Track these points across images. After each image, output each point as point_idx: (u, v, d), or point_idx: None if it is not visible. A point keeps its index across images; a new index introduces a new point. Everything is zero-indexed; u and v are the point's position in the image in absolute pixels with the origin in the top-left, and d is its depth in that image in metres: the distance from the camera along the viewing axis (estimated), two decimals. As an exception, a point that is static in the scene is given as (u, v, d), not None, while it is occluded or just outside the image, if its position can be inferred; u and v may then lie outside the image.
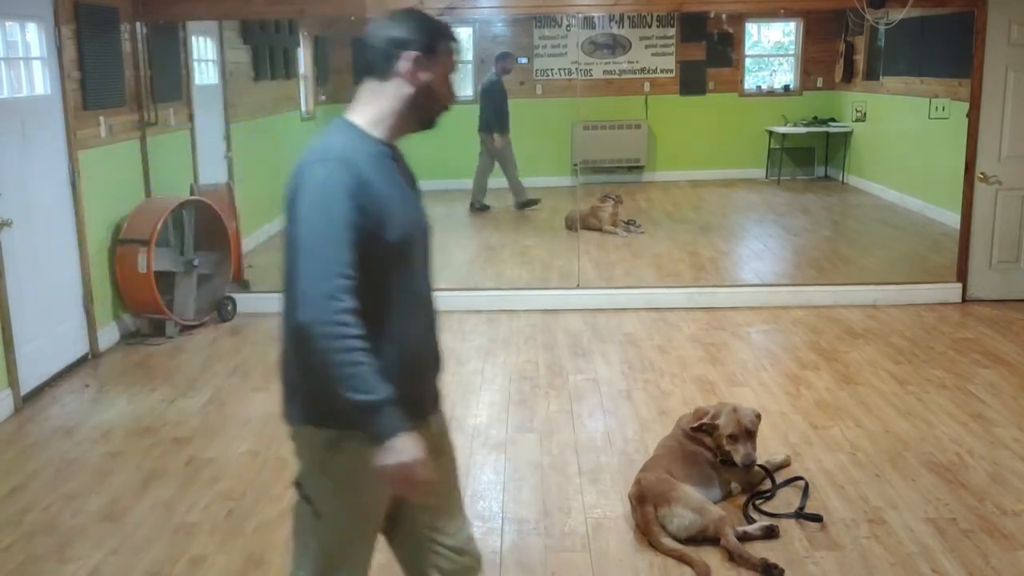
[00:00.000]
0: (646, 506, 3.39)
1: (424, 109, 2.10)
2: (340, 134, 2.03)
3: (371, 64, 2.05)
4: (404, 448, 1.88)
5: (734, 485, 3.69)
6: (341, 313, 1.86)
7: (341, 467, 2.05)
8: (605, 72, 11.38)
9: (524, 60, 11.40)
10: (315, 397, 2.02)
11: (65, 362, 5.37)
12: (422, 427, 2.07)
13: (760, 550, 3.25)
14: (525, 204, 9.64)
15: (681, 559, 3.23)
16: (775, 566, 3.15)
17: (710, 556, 3.25)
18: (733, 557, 3.22)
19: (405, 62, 2.02)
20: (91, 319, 5.63)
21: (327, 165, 1.94)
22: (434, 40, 2.04)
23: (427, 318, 2.19)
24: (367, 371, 1.86)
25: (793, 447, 4.12)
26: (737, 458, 3.61)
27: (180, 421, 4.62)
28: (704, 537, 3.31)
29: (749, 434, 3.64)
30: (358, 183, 1.93)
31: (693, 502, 3.37)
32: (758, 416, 3.72)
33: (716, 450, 3.68)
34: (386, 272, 2.01)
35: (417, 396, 2.10)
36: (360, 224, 1.92)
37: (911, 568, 3.18)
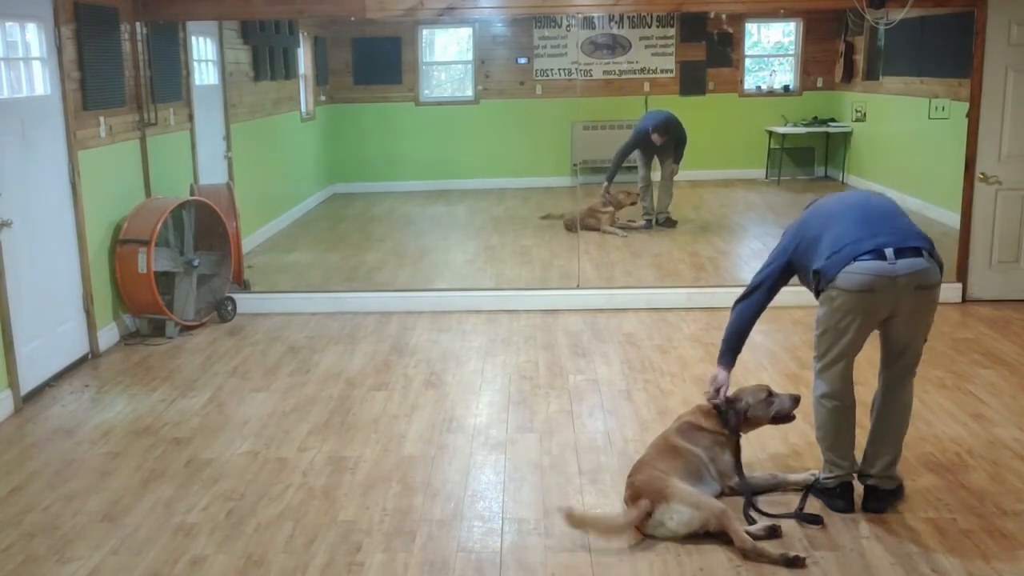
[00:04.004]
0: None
1: None
2: None
3: None
4: None
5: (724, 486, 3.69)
6: None
7: None
8: (605, 72, 11.37)
9: (524, 60, 11.41)
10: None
11: (65, 362, 5.37)
12: None
13: (762, 547, 3.25)
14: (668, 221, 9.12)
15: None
16: (797, 556, 3.18)
17: (715, 553, 3.25)
18: (749, 556, 3.22)
19: None
20: (91, 319, 5.63)
21: None
22: None
23: None
24: None
25: (793, 447, 4.12)
26: (788, 405, 3.71)
27: (180, 421, 4.62)
28: (706, 532, 3.31)
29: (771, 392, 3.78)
30: None
31: (690, 497, 3.37)
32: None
33: (752, 424, 3.74)
34: None
35: None
36: None
37: (911, 568, 3.18)
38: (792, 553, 3.20)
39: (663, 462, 3.56)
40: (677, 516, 3.32)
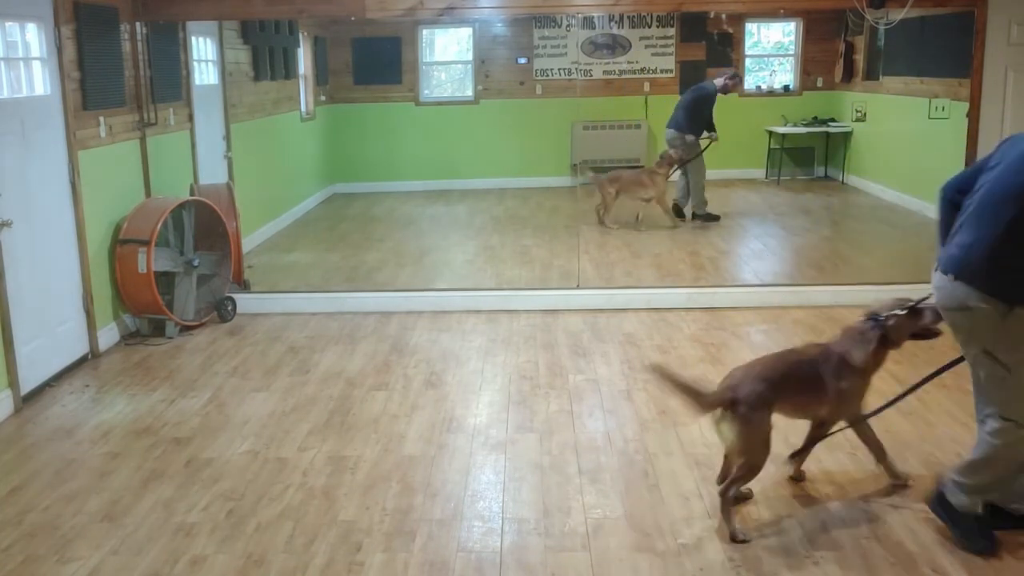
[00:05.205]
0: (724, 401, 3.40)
1: None
2: None
3: None
4: None
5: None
6: None
7: None
8: (605, 72, 11.39)
9: (524, 60, 11.42)
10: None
11: (65, 362, 5.37)
12: None
13: (761, 547, 3.27)
14: (706, 217, 9.09)
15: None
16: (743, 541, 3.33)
17: (715, 553, 3.25)
18: (722, 509, 3.42)
19: None
20: (91, 319, 5.63)
21: None
22: None
23: None
24: None
25: (794, 447, 4.11)
26: (930, 317, 3.74)
27: (180, 421, 4.62)
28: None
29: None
30: None
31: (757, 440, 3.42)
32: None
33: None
34: None
35: None
36: None
37: (911, 568, 3.18)
38: (740, 537, 3.35)
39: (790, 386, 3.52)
40: (733, 436, 3.40)
